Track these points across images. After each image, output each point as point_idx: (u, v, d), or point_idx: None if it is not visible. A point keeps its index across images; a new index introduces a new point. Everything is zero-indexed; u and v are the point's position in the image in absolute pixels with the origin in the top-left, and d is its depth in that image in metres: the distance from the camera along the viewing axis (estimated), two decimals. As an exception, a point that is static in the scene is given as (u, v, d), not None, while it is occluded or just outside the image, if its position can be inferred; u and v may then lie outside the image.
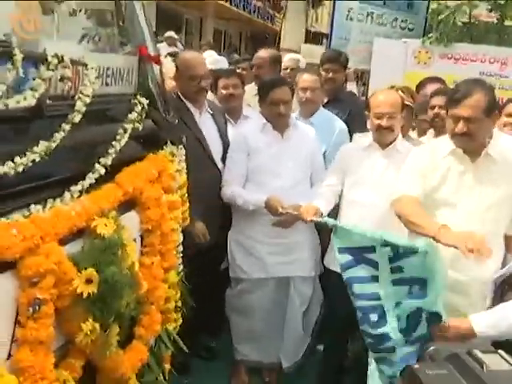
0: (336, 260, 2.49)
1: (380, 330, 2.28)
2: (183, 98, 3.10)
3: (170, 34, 9.45)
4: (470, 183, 2.44)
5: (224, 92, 3.59)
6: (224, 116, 3.44)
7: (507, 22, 5.67)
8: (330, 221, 2.56)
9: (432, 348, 1.01)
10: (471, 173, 2.43)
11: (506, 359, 0.88)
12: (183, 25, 15.07)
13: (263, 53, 4.46)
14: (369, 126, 2.97)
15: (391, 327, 2.26)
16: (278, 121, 3.14)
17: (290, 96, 3.15)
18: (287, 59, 4.68)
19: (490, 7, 5.93)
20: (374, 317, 2.31)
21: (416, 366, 0.94)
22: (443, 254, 2.44)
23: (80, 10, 2.19)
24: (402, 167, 2.67)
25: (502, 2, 5.72)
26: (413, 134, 3.55)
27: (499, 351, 0.90)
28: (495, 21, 5.82)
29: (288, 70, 4.54)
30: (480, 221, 2.40)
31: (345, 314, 2.91)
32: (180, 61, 3.11)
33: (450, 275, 2.43)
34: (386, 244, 2.24)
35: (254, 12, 17.63)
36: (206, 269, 3.01)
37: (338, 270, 2.89)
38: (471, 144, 2.40)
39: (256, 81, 4.12)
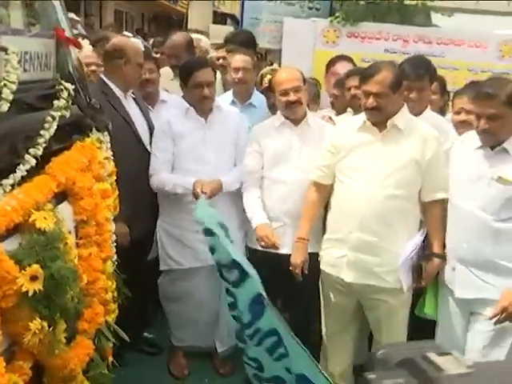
0: None
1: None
2: (108, 82, 2.99)
3: (71, 15, 8.97)
4: (377, 151, 2.63)
5: None
6: (143, 101, 3.35)
7: (407, 1, 5.92)
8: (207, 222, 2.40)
9: (381, 352, 0.93)
10: (380, 142, 2.63)
11: (459, 361, 0.87)
12: (81, 6, 14.33)
13: (177, 38, 4.13)
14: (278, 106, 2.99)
15: None
16: (202, 104, 3.06)
17: (212, 78, 3.10)
18: None
19: (390, -13, 6.15)
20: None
21: (370, 375, 0.86)
22: (353, 216, 2.60)
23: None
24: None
25: (401, -18, 5.97)
26: (331, 112, 3.65)
27: (452, 352, 0.90)
28: (396, 0, 6.06)
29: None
30: (381, 185, 2.58)
31: (274, 288, 2.97)
32: (125, 46, 3.07)
33: (359, 236, 2.61)
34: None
35: (157, -8, 17.11)
36: (136, 259, 2.95)
37: (261, 249, 2.94)
38: (380, 117, 2.61)
39: (173, 69, 3.85)
